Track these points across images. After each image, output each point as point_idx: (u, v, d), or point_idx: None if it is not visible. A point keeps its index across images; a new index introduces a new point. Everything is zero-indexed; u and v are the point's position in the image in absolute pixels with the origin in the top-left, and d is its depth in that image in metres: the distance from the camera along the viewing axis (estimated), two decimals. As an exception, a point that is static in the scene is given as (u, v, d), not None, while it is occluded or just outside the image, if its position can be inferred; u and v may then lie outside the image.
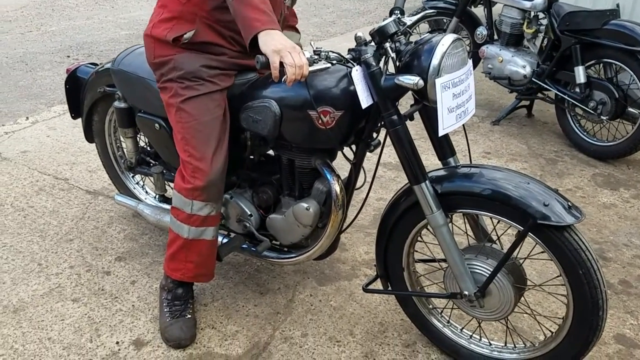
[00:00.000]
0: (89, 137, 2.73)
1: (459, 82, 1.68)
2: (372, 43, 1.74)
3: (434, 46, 1.63)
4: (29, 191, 3.02)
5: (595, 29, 3.46)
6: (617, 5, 3.84)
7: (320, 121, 1.79)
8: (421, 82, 1.61)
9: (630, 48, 3.32)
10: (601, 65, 3.61)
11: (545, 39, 3.85)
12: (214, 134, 1.90)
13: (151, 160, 2.54)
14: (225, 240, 2.22)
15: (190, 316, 2.11)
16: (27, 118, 3.94)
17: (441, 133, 1.65)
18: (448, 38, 1.65)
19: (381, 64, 1.73)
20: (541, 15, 3.82)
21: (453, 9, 4.17)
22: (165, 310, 2.11)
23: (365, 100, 1.71)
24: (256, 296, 2.33)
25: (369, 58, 1.69)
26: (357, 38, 1.72)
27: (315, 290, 2.37)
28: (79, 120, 2.71)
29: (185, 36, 1.87)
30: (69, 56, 5.39)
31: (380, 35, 1.70)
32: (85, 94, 2.57)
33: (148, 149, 2.59)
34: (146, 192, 2.79)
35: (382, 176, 3.32)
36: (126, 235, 2.68)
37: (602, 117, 3.54)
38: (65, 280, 2.37)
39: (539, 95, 3.95)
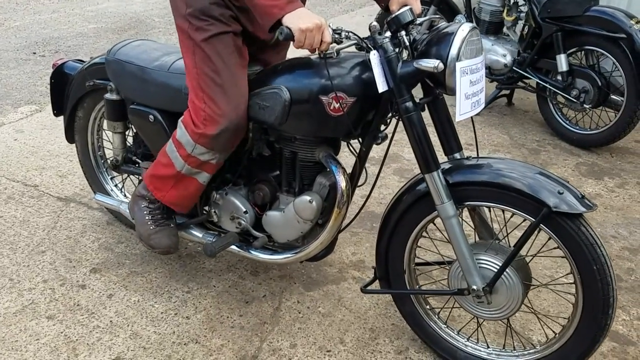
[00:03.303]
0: (69, 137, 2.66)
1: (476, 70, 1.69)
2: (387, 33, 1.73)
3: (454, 32, 1.65)
4: (-4, 200, 2.88)
5: (576, 15, 3.42)
6: (597, -10, 3.81)
7: (331, 107, 1.78)
8: (441, 65, 1.61)
9: (612, 35, 3.29)
10: (583, 52, 3.58)
11: (526, 27, 3.80)
12: (230, 81, 1.87)
13: (138, 160, 2.46)
14: (215, 239, 2.14)
15: (173, 225, 2.16)
16: (-7, 120, 3.76)
17: (458, 119, 1.66)
18: (467, 25, 1.67)
19: (397, 50, 1.74)
20: (521, 2, 3.76)
21: (431, -3, 4.09)
22: (147, 217, 2.13)
23: (381, 84, 1.70)
24: (241, 305, 2.24)
25: (386, 43, 1.69)
26: (371, 27, 1.72)
27: (302, 297, 2.29)
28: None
29: None
30: (34, 53, 5.18)
31: (396, 23, 1.71)
32: (71, 89, 2.51)
33: (134, 147, 2.51)
34: (124, 195, 2.69)
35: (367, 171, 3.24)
36: (101, 245, 2.56)
37: (584, 105, 3.51)
38: (38, 295, 2.25)
39: (520, 84, 3.90)
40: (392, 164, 3.36)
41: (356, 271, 2.45)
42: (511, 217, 1.77)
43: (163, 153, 2.05)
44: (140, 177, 2.40)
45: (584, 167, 3.42)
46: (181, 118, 1.97)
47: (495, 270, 1.74)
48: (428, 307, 2.01)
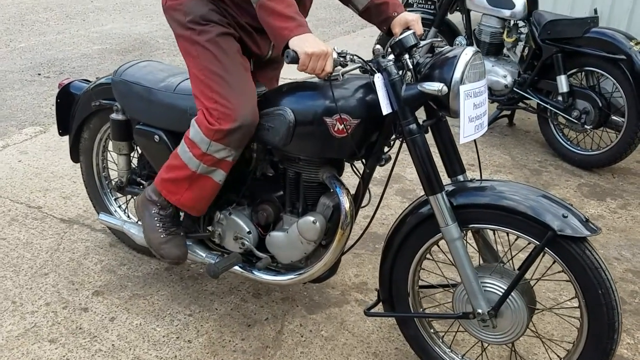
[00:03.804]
0: (74, 156, 2.68)
1: (479, 93, 1.71)
2: (390, 56, 1.77)
3: (457, 55, 1.68)
4: (0, 222, 2.89)
5: (576, 37, 3.44)
6: (595, 11, 3.84)
7: (335, 128, 1.80)
8: (445, 88, 1.64)
9: (612, 56, 3.31)
10: (583, 73, 3.60)
11: (526, 48, 3.83)
12: (238, 79, 1.90)
13: (142, 181, 2.48)
14: (219, 260, 2.15)
15: (182, 233, 2.18)
16: (-3, 142, 3.79)
17: (462, 141, 1.68)
18: (470, 49, 1.70)
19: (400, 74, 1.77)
20: (521, 23, 3.79)
21: (431, 19, 4.13)
22: (158, 225, 2.13)
23: (385, 107, 1.73)
24: (243, 329, 2.23)
25: (390, 66, 1.73)
26: (375, 50, 1.76)
27: (304, 320, 2.29)
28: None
29: None
30: (39, 74, 5.23)
31: (399, 47, 1.74)
32: (77, 109, 2.53)
33: (139, 169, 2.53)
34: (128, 216, 2.70)
35: (371, 192, 3.24)
36: (103, 267, 2.56)
37: (585, 126, 3.52)
38: (41, 319, 2.25)
39: (521, 104, 3.92)
40: (394, 185, 3.36)
41: (359, 293, 2.45)
42: (515, 240, 1.77)
43: (175, 155, 2.04)
44: None
45: (586, 188, 3.42)
46: (194, 118, 1.97)
47: (501, 293, 1.74)
48: (432, 330, 2.01)
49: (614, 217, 3.11)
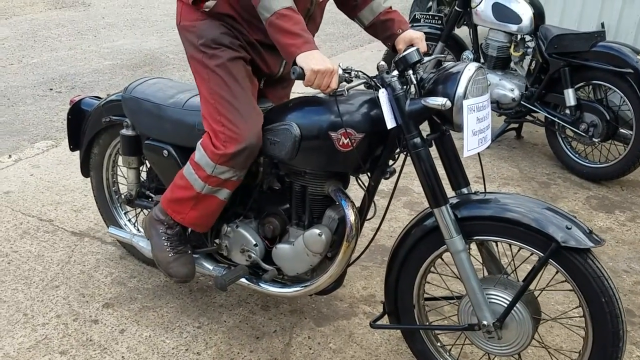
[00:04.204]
0: (85, 171, 2.73)
1: (482, 107, 1.74)
2: (394, 72, 1.80)
3: (460, 71, 1.71)
4: (12, 235, 2.92)
5: (583, 51, 3.46)
6: (602, 25, 3.86)
7: (341, 143, 1.83)
8: (449, 103, 1.67)
9: (618, 70, 3.32)
10: (590, 87, 3.61)
11: (533, 62, 3.84)
12: (245, 104, 1.94)
13: (151, 194, 2.52)
14: (225, 272, 2.17)
15: (190, 252, 2.21)
16: (10, 156, 3.84)
17: (466, 155, 1.71)
18: (473, 65, 1.73)
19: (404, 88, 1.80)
20: (528, 37, 3.82)
21: (439, 34, 4.16)
22: (166, 244, 2.17)
23: (390, 121, 1.76)
24: (252, 341, 2.24)
25: (394, 82, 1.76)
26: (379, 66, 1.79)
27: (313, 332, 2.29)
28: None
29: (207, 4, 1.94)
30: (51, 89, 5.30)
31: (403, 63, 1.78)
32: (88, 125, 2.58)
33: (148, 182, 2.57)
34: (138, 229, 2.73)
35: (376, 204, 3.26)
36: (114, 279, 2.59)
37: (593, 139, 3.53)
38: (52, 330, 2.27)
39: (529, 117, 3.93)
40: (402, 197, 3.38)
41: (367, 306, 2.45)
42: (518, 251, 1.78)
43: (180, 176, 2.08)
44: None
45: (595, 201, 3.41)
46: (200, 141, 2.01)
47: (505, 305, 1.75)
48: (439, 344, 2.01)
49: (623, 230, 3.10)
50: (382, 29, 2.08)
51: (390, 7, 2.10)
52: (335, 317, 2.38)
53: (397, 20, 2.06)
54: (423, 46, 1.97)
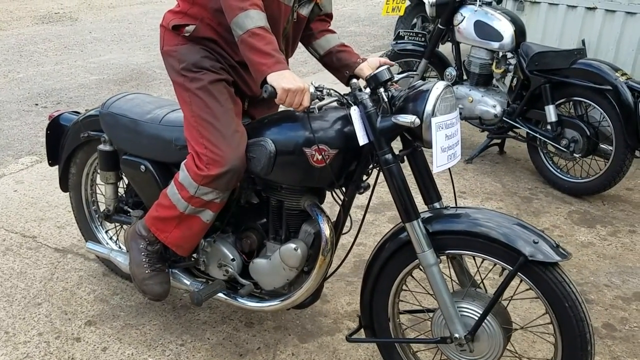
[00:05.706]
0: (64, 186, 2.72)
1: (450, 124, 1.79)
2: (366, 90, 1.85)
3: (429, 89, 1.76)
4: (-6, 251, 2.90)
5: (563, 68, 3.53)
6: (583, 42, 3.93)
7: (314, 159, 1.86)
8: (418, 121, 1.71)
9: (598, 87, 3.39)
10: (571, 103, 3.67)
11: (515, 79, 3.90)
12: (227, 126, 1.95)
13: (129, 209, 2.52)
14: (202, 287, 2.17)
15: (166, 270, 2.22)
16: (-7, 172, 3.82)
17: (435, 171, 1.75)
18: (441, 83, 1.77)
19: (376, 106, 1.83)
20: (509, 55, 3.88)
21: (422, 51, 4.22)
22: (144, 260, 2.17)
23: (362, 138, 1.79)
24: (235, 358, 2.24)
25: (365, 99, 1.80)
26: (352, 84, 1.83)
27: (297, 349, 2.29)
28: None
29: (187, 28, 1.98)
30: (37, 104, 5.29)
31: (375, 81, 1.83)
32: (66, 140, 2.58)
33: (126, 197, 2.57)
34: (119, 246, 2.72)
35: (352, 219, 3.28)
36: (96, 297, 2.58)
37: (574, 154, 3.58)
38: (33, 349, 2.26)
39: (511, 133, 3.98)
40: (386, 212, 3.40)
41: (351, 322, 2.46)
42: (482, 262, 1.82)
43: (164, 195, 2.09)
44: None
45: (576, 215, 3.46)
46: (184, 161, 2.03)
47: (476, 318, 1.78)
48: (413, 359, 2.02)
49: (604, 244, 3.14)
50: (338, 58, 2.16)
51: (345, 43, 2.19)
52: (319, 333, 2.39)
53: (353, 53, 2.16)
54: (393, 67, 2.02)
